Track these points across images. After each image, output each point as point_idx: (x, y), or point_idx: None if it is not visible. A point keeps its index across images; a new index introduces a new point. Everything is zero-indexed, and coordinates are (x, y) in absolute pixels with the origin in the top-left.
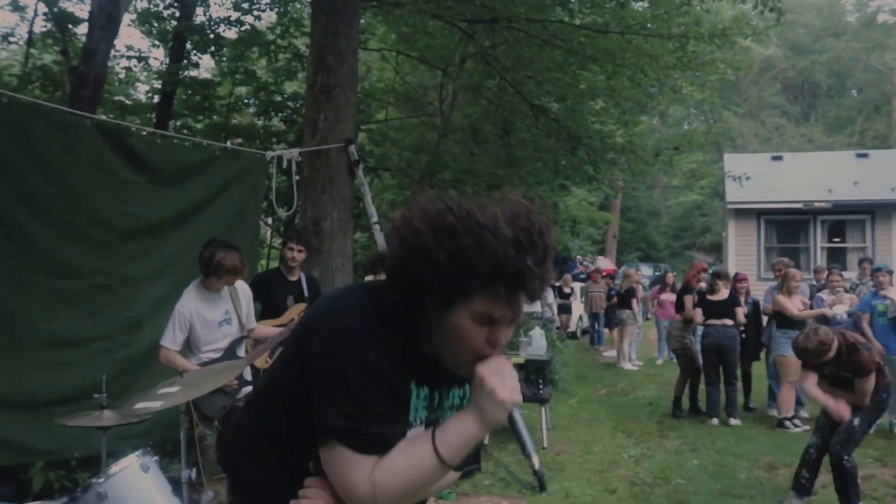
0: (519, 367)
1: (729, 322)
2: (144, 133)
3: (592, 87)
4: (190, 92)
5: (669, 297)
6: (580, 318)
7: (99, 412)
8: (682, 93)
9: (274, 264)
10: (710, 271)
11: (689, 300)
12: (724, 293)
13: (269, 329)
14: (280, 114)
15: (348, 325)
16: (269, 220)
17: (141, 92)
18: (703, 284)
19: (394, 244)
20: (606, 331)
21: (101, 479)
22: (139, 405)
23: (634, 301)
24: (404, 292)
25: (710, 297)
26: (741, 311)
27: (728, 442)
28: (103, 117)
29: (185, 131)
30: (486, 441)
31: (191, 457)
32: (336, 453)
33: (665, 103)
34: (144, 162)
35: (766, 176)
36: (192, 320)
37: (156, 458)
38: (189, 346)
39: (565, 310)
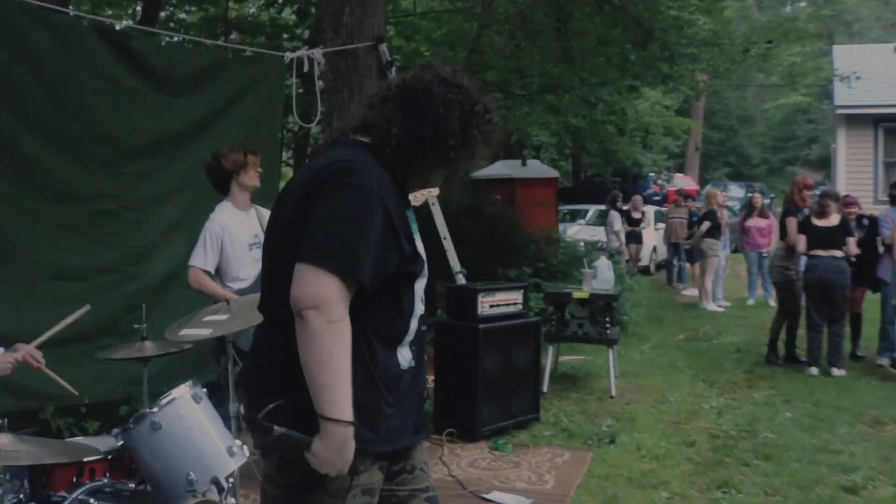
0: (582, 302)
1: (838, 253)
2: (119, 27)
3: None
4: None
5: (756, 223)
6: (654, 249)
7: (140, 343)
8: None
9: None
10: (818, 191)
11: (792, 223)
12: (833, 218)
13: None
14: (291, 5)
15: (360, 161)
16: (287, 134)
17: None
18: (808, 202)
19: (413, 99)
20: (688, 266)
21: (155, 410)
22: (185, 331)
23: (718, 228)
24: (408, 140)
25: (816, 222)
26: (854, 242)
27: (828, 394)
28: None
29: (171, 25)
30: (544, 389)
31: (223, 398)
32: (313, 270)
33: None
34: (149, 68)
35: (886, 73)
36: (223, 239)
37: (205, 389)
38: (218, 272)
39: (635, 239)
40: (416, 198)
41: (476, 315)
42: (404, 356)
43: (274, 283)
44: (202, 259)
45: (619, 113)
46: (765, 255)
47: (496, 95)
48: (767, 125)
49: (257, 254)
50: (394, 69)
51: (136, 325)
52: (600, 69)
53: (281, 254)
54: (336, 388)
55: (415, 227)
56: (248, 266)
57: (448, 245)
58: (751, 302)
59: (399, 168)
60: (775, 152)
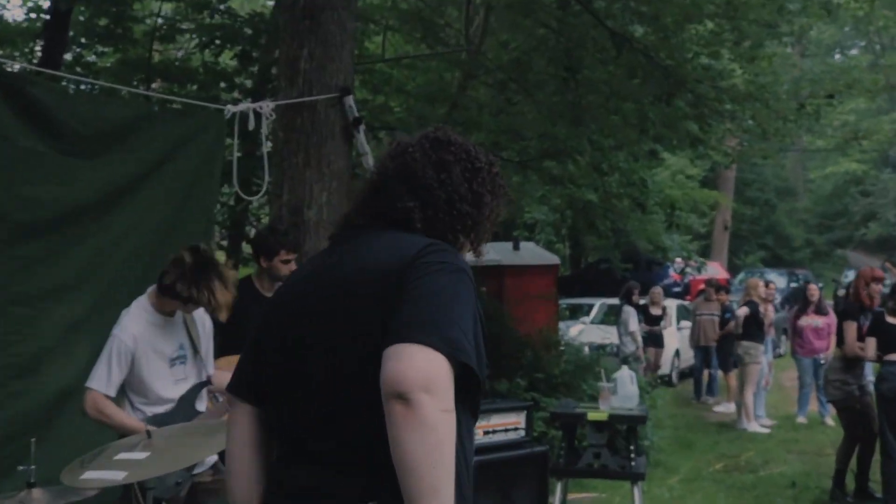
0: (598, 426)
1: None
2: (15, 70)
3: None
4: (93, 9)
5: (812, 321)
6: (676, 353)
7: (26, 493)
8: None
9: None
10: (889, 281)
11: (852, 328)
12: None
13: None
14: (231, 46)
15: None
16: (220, 208)
17: (16, 8)
18: (876, 300)
19: (411, 171)
20: (720, 374)
21: None
22: (89, 474)
23: (760, 327)
24: (430, 214)
25: (890, 320)
26: None
27: None
28: None
29: (78, 69)
30: None
31: None
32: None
33: (807, 19)
34: (51, 121)
35: None
36: (135, 353)
37: None
38: (126, 392)
39: (654, 341)
40: None
41: None
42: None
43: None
44: (104, 381)
45: (639, 184)
46: (822, 361)
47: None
48: (812, 199)
49: (180, 371)
50: (362, 129)
51: (20, 467)
52: (614, 129)
53: (355, 361)
54: (448, 492)
55: None
56: (168, 388)
57: None
58: (801, 419)
59: None
60: (821, 232)
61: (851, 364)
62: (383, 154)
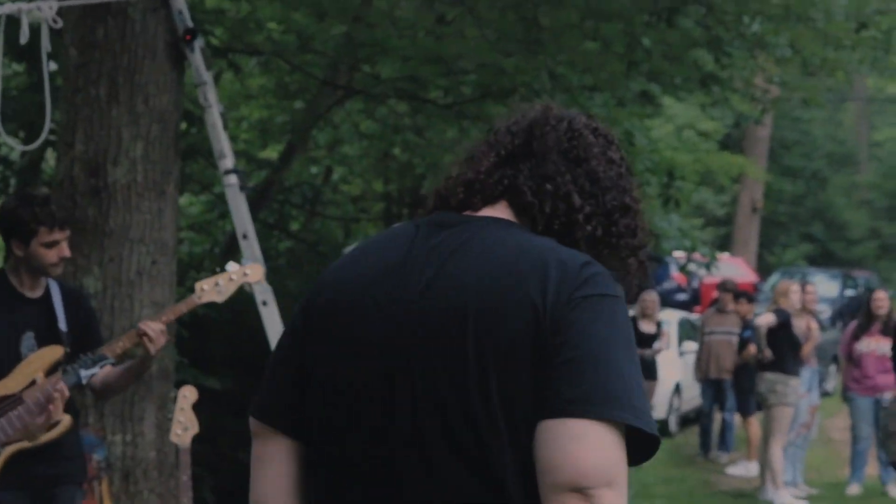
0: None
1: None
2: None
3: None
4: None
5: (876, 345)
6: (677, 388)
7: None
8: None
9: None
10: None
11: None
12: None
13: None
14: None
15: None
16: None
17: None
18: None
19: (572, 152)
20: (738, 419)
21: None
22: None
23: (796, 350)
24: (587, 214)
25: None
26: None
27: None
28: None
29: None
30: None
31: None
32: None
33: None
34: None
35: None
36: None
37: None
38: None
39: (645, 370)
40: (216, 290)
41: None
42: None
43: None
44: None
45: (624, 139)
46: (886, 403)
47: (393, 105)
48: (880, 170)
49: None
50: (198, 46)
51: None
52: (589, 60)
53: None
54: None
55: None
56: None
57: None
58: (854, 489)
59: None
60: (893, 217)
61: None
62: (527, 116)
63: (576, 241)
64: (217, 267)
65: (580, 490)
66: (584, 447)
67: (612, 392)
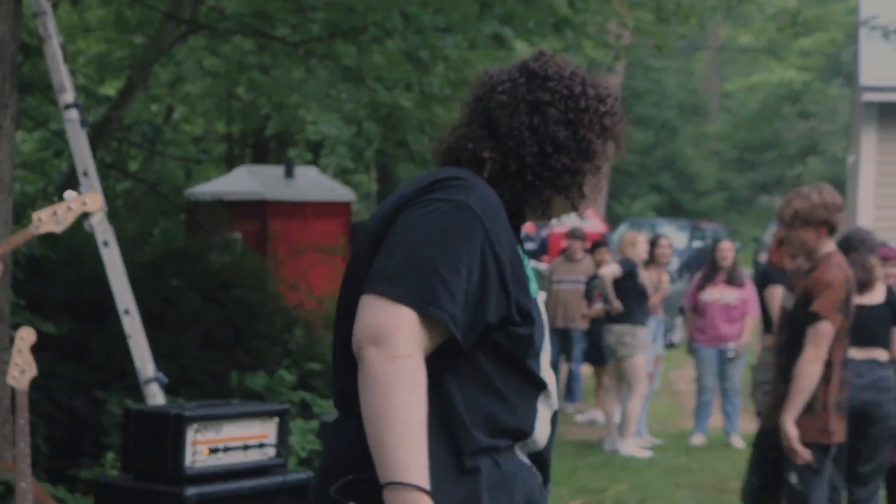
0: None
1: (882, 355)
2: None
3: None
4: None
5: (720, 295)
6: None
7: None
8: None
9: None
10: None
11: (779, 295)
12: (877, 290)
13: None
14: None
15: (468, 176)
16: None
17: None
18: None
19: (558, 118)
20: (585, 368)
21: None
22: None
23: (641, 301)
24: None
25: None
26: None
27: None
28: None
29: None
30: None
31: None
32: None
33: None
34: None
35: None
36: None
37: None
38: None
39: None
40: (53, 219)
41: (181, 468)
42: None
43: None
44: None
45: (466, 85)
46: (730, 354)
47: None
48: (729, 121)
49: None
50: None
51: None
52: (442, 2)
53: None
54: (402, 446)
55: (532, 277)
56: None
57: (131, 323)
58: (698, 439)
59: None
60: (741, 169)
61: None
62: (472, 89)
63: (521, 191)
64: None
65: (357, 356)
66: (359, 317)
67: (387, 269)
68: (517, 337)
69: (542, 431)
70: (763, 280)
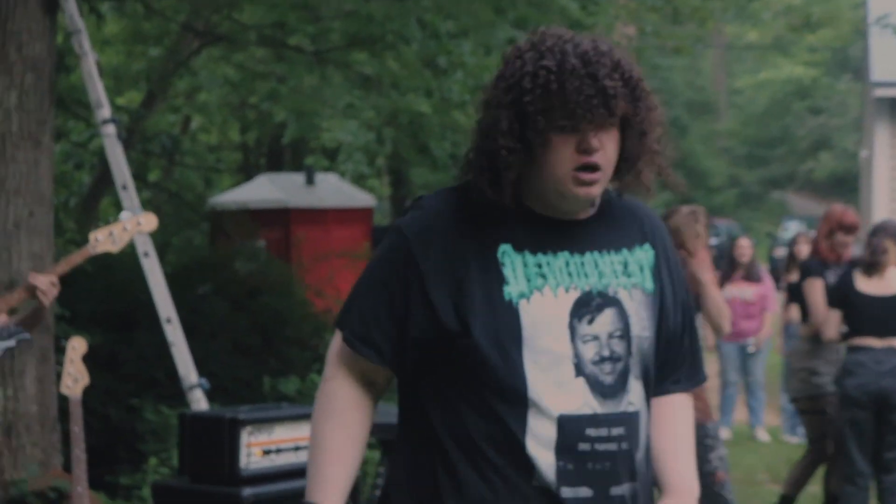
0: None
1: None
2: None
3: None
4: None
5: (739, 291)
6: None
7: None
8: None
9: None
10: (869, 229)
11: (817, 289)
12: (889, 281)
13: None
14: None
15: (425, 198)
16: None
17: None
18: (844, 255)
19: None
20: None
21: None
22: None
23: None
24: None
25: (863, 288)
26: None
27: None
28: None
29: None
30: None
31: None
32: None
33: None
34: None
35: None
36: None
37: None
38: None
39: None
40: (110, 239)
41: (236, 470)
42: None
43: None
44: None
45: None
46: (750, 349)
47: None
48: (739, 118)
49: None
50: None
51: None
52: (458, 6)
53: None
54: (313, 463)
55: (529, 277)
56: None
57: (174, 331)
58: (723, 433)
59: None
60: (752, 166)
61: (820, 344)
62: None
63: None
64: (71, 221)
65: None
66: None
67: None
68: (463, 349)
69: (542, 459)
70: (804, 272)
